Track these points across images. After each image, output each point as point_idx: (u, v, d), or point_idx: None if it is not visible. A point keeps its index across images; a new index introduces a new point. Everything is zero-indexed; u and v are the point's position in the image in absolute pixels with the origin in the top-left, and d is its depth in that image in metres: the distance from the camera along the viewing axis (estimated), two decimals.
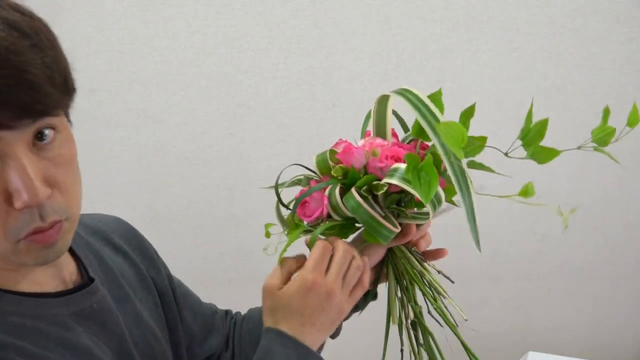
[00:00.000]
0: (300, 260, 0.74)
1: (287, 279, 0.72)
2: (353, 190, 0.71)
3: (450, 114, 1.60)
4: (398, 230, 0.73)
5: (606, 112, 0.80)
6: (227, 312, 0.93)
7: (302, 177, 0.81)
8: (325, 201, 0.73)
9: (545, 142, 1.72)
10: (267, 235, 0.77)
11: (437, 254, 0.82)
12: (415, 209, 0.76)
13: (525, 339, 1.76)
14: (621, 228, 1.72)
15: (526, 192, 0.80)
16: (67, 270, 0.67)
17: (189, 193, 1.59)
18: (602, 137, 0.83)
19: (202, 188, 1.59)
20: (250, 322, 0.90)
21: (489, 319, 1.71)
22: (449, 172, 0.71)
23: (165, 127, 1.55)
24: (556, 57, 1.57)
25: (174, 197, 1.59)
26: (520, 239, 1.70)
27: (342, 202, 0.72)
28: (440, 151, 0.71)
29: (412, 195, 0.72)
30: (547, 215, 1.70)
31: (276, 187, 0.80)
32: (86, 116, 1.50)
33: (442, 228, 1.64)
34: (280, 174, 0.81)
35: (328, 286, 0.69)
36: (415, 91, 0.75)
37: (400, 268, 0.78)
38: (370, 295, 0.79)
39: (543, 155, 0.80)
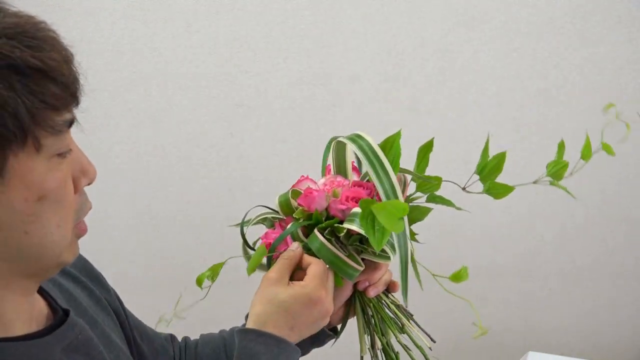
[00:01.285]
0: (299, 258, 0.76)
1: (288, 277, 0.74)
2: (316, 231, 0.74)
3: (451, 114, 1.61)
4: (362, 268, 0.76)
5: (561, 147, 0.85)
6: (171, 336, 0.92)
7: (267, 217, 0.83)
8: (289, 242, 0.76)
9: (545, 141, 1.73)
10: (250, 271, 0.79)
11: (393, 287, 0.84)
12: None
13: (525, 339, 1.76)
14: (621, 228, 1.72)
15: (458, 276, 0.81)
16: (38, 306, 0.64)
17: (189, 193, 1.59)
18: (557, 171, 0.87)
19: (202, 188, 1.59)
20: (207, 348, 0.90)
21: (489, 319, 1.71)
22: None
23: (165, 127, 1.55)
24: (556, 57, 1.57)
25: (174, 197, 1.59)
26: (520, 239, 1.70)
27: (307, 242, 0.75)
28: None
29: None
30: (547, 215, 1.70)
31: (242, 226, 0.84)
32: (86, 116, 1.49)
33: (443, 228, 1.65)
34: (245, 215, 0.85)
35: (329, 305, 0.74)
36: (367, 138, 0.76)
37: (366, 301, 0.81)
38: (338, 333, 0.85)
39: (498, 190, 0.81)
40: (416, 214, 0.81)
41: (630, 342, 1.83)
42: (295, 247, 0.76)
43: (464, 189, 0.79)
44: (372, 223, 0.68)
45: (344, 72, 1.54)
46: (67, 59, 0.57)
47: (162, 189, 1.58)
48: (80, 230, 0.61)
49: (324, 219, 0.76)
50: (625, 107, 1.63)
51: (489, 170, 0.80)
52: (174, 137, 1.55)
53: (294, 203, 0.78)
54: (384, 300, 0.82)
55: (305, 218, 0.77)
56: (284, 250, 0.76)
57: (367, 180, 0.80)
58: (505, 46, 1.55)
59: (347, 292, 0.81)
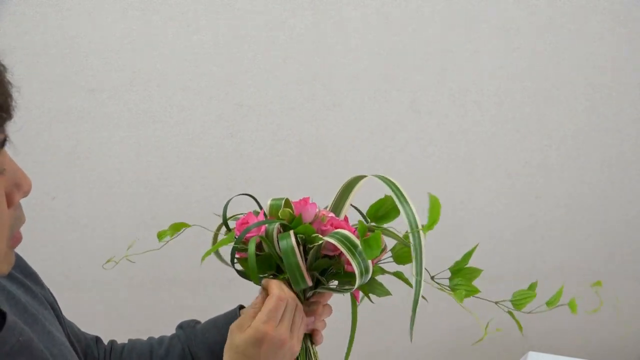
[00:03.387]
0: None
1: (249, 323, 0.76)
2: (291, 232, 0.76)
3: (451, 114, 1.61)
4: (310, 284, 0.78)
5: (533, 286, 0.91)
6: (97, 338, 0.91)
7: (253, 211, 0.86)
8: (262, 229, 0.78)
9: (545, 141, 1.73)
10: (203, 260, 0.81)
11: (317, 336, 0.87)
12: (337, 282, 0.82)
13: (525, 339, 1.76)
14: (621, 228, 1.72)
15: (460, 295, 0.83)
16: None
17: (189, 193, 1.59)
18: (520, 300, 0.93)
19: (202, 188, 1.59)
20: (133, 353, 0.90)
21: (489, 319, 1.70)
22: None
23: (165, 127, 1.55)
24: (556, 57, 1.57)
25: (174, 197, 1.59)
26: (520, 239, 1.70)
27: (277, 238, 0.77)
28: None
29: (340, 267, 0.79)
30: (547, 215, 1.70)
31: (225, 207, 0.87)
32: (86, 116, 1.50)
33: (443, 229, 1.65)
34: (229, 201, 0.87)
35: (281, 336, 0.74)
36: (394, 180, 0.80)
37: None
38: None
39: (464, 290, 0.84)
40: (375, 287, 0.84)
41: (630, 342, 1.83)
42: (259, 300, 0.78)
43: (432, 278, 0.82)
44: (365, 242, 0.72)
45: (344, 72, 1.54)
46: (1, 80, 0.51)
47: (162, 188, 1.58)
48: (14, 241, 0.58)
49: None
50: (626, 107, 1.63)
51: (464, 274, 0.84)
52: (174, 137, 1.55)
53: (284, 213, 0.81)
54: (310, 349, 0.85)
55: (288, 220, 0.79)
56: (253, 234, 0.78)
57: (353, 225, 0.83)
58: (505, 46, 1.55)
59: None
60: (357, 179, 0.85)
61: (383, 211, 0.81)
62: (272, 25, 1.50)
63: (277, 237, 0.77)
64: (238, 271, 0.86)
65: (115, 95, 1.51)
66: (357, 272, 0.74)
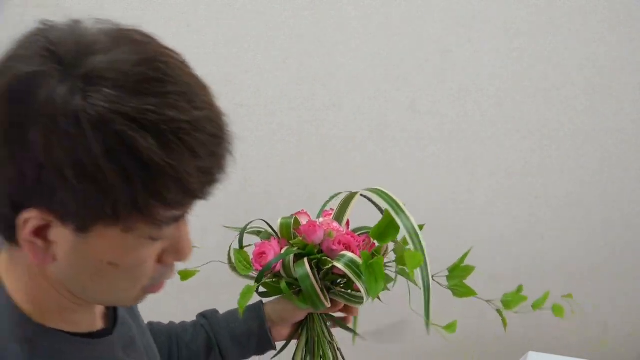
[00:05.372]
0: None
1: None
2: (306, 260, 0.83)
3: (450, 114, 1.61)
4: (328, 306, 0.85)
5: (520, 289, 0.95)
6: None
7: (264, 230, 0.93)
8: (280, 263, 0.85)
9: (545, 141, 1.72)
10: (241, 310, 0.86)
11: (347, 319, 0.95)
12: (350, 291, 0.89)
13: (525, 339, 1.76)
14: (621, 228, 1.72)
15: (452, 327, 0.89)
16: (100, 307, 0.67)
17: None
18: (510, 301, 0.98)
19: None
20: (163, 337, 0.93)
21: (489, 319, 1.70)
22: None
23: None
24: (556, 57, 1.57)
25: None
26: (520, 239, 1.70)
27: (294, 266, 0.84)
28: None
29: (351, 282, 0.84)
30: (547, 215, 1.70)
31: (241, 232, 0.92)
32: None
33: (443, 230, 1.65)
34: (245, 226, 0.92)
35: None
36: (390, 193, 0.86)
37: (313, 333, 0.91)
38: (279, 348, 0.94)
39: (461, 291, 0.89)
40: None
41: (630, 342, 1.83)
42: None
43: (432, 277, 0.86)
44: (369, 271, 0.78)
45: (344, 72, 1.54)
46: (208, 167, 0.52)
47: None
48: (153, 289, 0.60)
49: (316, 251, 0.85)
50: (626, 107, 1.63)
51: (458, 272, 0.88)
52: None
53: (293, 231, 0.88)
54: (326, 334, 0.91)
55: (301, 247, 0.85)
56: (274, 268, 0.84)
57: (359, 234, 0.90)
58: (505, 46, 1.55)
59: (301, 316, 0.90)
60: (351, 196, 0.90)
61: (384, 228, 0.84)
62: (272, 25, 1.50)
63: (294, 266, 0.84)
64: (260, 292, 0.92)
65: None
66: (363, 292, 0.82)
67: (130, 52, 0.51)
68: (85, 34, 0.53)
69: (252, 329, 0.90)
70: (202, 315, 0.95)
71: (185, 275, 0.90)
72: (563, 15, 1.54)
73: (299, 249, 0.85)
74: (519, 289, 0.92)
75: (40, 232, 0.51)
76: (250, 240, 0.94)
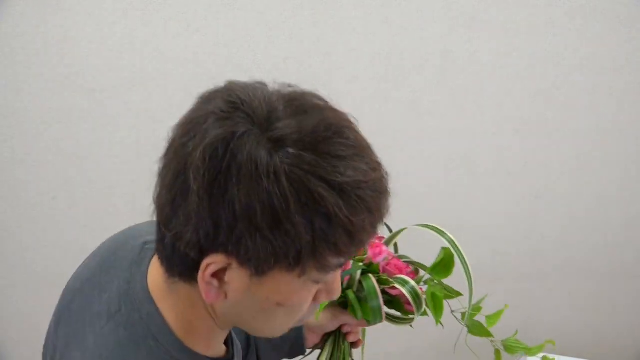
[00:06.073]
0: None
1: None
2: (372, 276, 0.89)
3: (451, 114, 1.60)
4: (383, 321, 0.90)
5: (480, 301, 0.97)
6: None
7: None
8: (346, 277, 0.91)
9: (545, 141, 1.72)
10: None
11: (358, 343, 1.00)
12: (393, 310, 0.94)
13: (525, 339, 1.76)
14: (621, 228, 1.72)
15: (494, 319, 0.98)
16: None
17: None
18: (512, 347, 1.07)
19: None
20: None
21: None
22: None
23: (165, 127, 1.54)
24: (556, 57, 1.57)
25: None
26: (520, 239, 1.70)
27: (361, 279, 0.89)
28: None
29: (401, 305, 0.91)
30: (547, 215, 1.70)
31: None
32: (86, 116, 1.49)
33: (442, 228, 1.64)
34: None
35: None
36: (450, 235, 0.92)
37: (339, 344, 0.96)
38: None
39: (478, 330, 0.98)
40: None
41: (630, 342, 1.83)
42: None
43: (452, 312, 0.94)
44: (433, 300, 0.88)
45: (344, 72, 1.54)
46: (375, 222, 0.57)
47: None
48: (300, 323, 0.67)
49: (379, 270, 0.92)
50: (626, 107, 1.63)
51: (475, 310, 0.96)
52: None
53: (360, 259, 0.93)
54: (347, 346, 0.97)
55: (366, 265, 0.91)
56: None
57: (404, 262, 0.96)
58: (505, 46, 1.55)
59: (334, 327, 0.94)
60: (404, 229, 0.95)
61: (442, 266, 0.91)
62: (272, 25, 1.50)
63: (361, 279, 0.89)
64: None
65: (115, 95, 1.51)
66: (416, 316, 0.90)
67: (314, 117, 0.57)
68: (271, 97, 0.59)
69: (289, 333, 0.93)
70: None
71: None
72: (563, 15, 1.54)
73: (364, 265, 0.91)
74: (480, 302, 0.98)
75: (218, 274, 0.56)
76: None
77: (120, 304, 0.65)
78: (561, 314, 1.78)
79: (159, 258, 0.62)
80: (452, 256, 0.89)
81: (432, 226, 0.91)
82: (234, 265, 0.55)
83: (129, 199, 1.58)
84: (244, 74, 1.70)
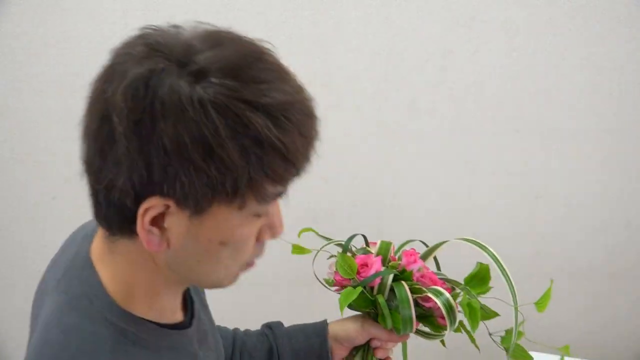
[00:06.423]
0: None
1: None
2: (404, 283, 0.87)
3: (450, 114, 1.60)
4: (414, 331, 0.90)
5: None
6: None
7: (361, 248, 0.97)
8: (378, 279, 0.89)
9: (545, 141, 1.72)
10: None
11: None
12: (420, 324, 0.93)
13: (525, 339, 1.76)
14: (621, 228, 1.72)
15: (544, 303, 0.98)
16: (180, 298, 0.70)
17: None
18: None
19: None
20: (226, 341, 0.95)
21: (490, 320, 1.70)
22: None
23: None
24: (556, 57, 1.57)
25: None
26: (520, 239, 1.70)
27: (393, 285, 0.87)
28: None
29: (434, 318, 0.90)
30: (547, 215, 1.70)
31: (346, 244, 0.95)
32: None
33: (444, 229, 1.65)
34: (352, 236, 0.95)
35: None
36: (492, 250, 0.95)
37: (368, 359, 0.94)
38: None
39: (518, 354, 0.99)
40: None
41: (630, 342, 1.83)
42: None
43: (490, 334, 0.95)
44: (469, 312, 0.87)
45: (344, 72, 1.54)
46: (308, 144, 0.58)
47: None
48: (247, 267, 0.65)
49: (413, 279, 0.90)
50: (626, 107, 1.63)
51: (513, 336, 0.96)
52: None
53: (391, 254, 0.92)
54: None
55: (399, 271, 0.89)
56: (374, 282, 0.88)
57: (440, 278, 0.95)
58: (505, 46, 1.55)
59: (362, 340, 0.92)
60: (443, 242, 0.95)
61: (477, 280, 0.92)
62: (272, 25, 1.50)
63: (393, 285, 0.87)
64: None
65: None
66: (449, 330, 0.89)
67: (232, 48, 0.56)
68: (188, 35, 0.57)
69: (314, 346, 0.93)
70: (268, 326, 0.98)
71: (299, 250, 0.96)
72: (563, 15, 1.54)
73: (397, 271, 0.89)
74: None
75: (157, 220, 0.55)
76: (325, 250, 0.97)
77: (65, 274, 0.65)
78: (561, 315, 1.78)
79: (96, 217, 0.61)
80: (488, 270, 0.90)
81: (474, 240, 0.90)
82: (172, 207, 0.54)
83: None
84: None
